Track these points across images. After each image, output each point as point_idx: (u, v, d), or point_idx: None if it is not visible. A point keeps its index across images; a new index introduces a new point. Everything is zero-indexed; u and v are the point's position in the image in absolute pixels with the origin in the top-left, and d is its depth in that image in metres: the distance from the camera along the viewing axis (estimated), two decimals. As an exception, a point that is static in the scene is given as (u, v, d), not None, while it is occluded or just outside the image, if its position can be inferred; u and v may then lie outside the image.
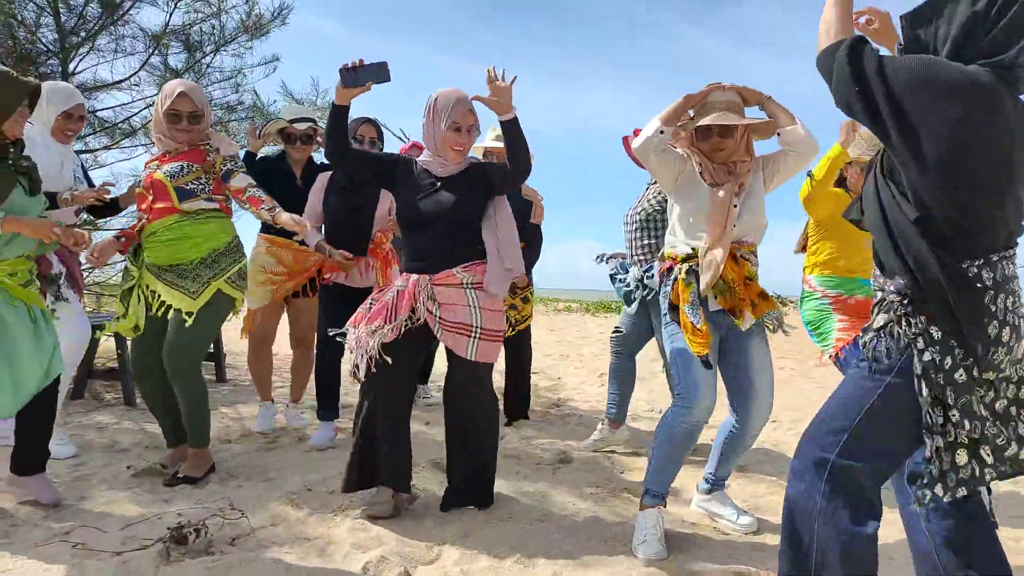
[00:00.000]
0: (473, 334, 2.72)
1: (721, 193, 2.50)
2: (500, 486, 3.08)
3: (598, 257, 4.07)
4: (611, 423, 3.92)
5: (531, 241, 4.26)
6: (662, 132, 2.56)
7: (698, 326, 2.48)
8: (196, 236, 3.08)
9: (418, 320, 2.70)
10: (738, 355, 2.63)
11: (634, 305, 3.75)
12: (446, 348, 2.77)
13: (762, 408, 2.64)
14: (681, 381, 2.54)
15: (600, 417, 4.15)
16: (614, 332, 3.98)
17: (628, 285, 3.78)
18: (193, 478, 3.05)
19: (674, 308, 2.57)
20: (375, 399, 2.73)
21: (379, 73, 2.61)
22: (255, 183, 3.18)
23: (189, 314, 3.03)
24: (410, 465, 2.81)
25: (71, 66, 5.92)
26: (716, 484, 2.87)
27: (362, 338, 2.65)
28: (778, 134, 2.61)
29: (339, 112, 2.67)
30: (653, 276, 3.49)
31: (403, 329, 2.67)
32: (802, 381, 6.85)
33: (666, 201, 3.56)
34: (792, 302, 15.19)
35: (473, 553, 2.41)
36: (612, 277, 3.93)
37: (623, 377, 3.93)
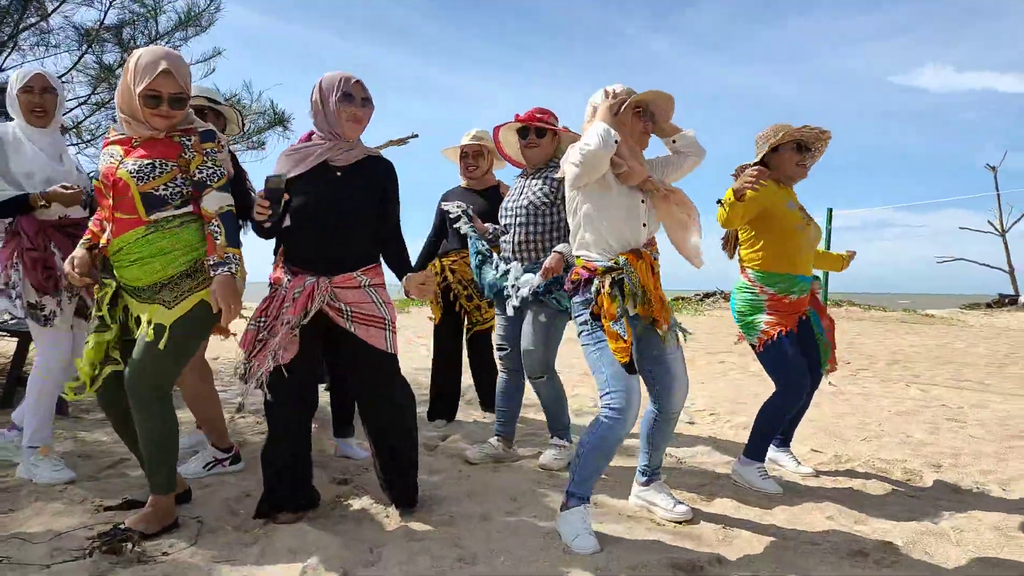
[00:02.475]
0: (387, 326, 2.71)
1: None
2: (440, 487, 3.10)
3: (455, 210, 3.89)
4: (503, 440, 3.76)
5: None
6: (617, 142, 2.54)
7: (624, 337, 2.54)
8: (173, 250, 2.52)
9: (306, 319, 2.61)
10: (655, 348, 2.77)
11: (510, 308, 3.52)
12: (349, 347, 2.70)
13: (680, 392, 2.81)
14: (612, 392, 2.55)
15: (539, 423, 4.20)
16: (500, 351, 3.73)
17: (510, 282, 3.50)
18: (141, 534, 2.46)
19: (595, 318, 2.61)
20: (278, 423, 2.69)
21: (278, 186, 2.50)
22: (232, 206, 2.59)
23: (161, 327, 2.48)
24: (310, 485, 2.81)
25: (-2, 62, 5.71)
26: (652, 475, 2.95)
27: (256, 366, 2.59)
28: (673, 140, 2.84)
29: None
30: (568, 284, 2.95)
31: (296, 335, 2.60)
32: (738, 374, 7.04)
33: (555, 196, 3.47)
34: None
35: (414, 554, 2.43)
36: (473, 242, 3.75)
37: (513, 394, 3.76)
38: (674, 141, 2.83)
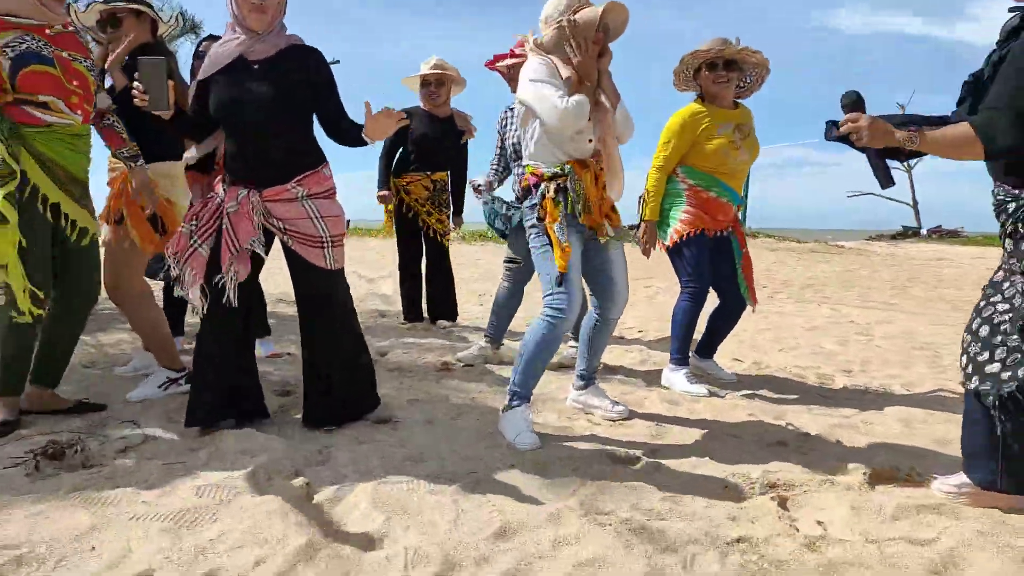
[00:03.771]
0: (325, 244, 2.59)
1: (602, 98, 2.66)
2: (384, 397, 3.15)
3: (475, 188, 4.08)
4: (491, 342, 4.05)
5: (461, 165, 4.93)
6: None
7: (564, 243, 2.63)
8: (88, 154, 2.71)
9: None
10: (599, 257, 2.84)
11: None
12: (294, 260, 2.63)
13: (620, 300, 2.90)
14: (554, 293, 2.68)
15: (480, 333, 4.30)
16: (509, 261, 3.99)
17: (506, 210, 3.86)
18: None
19: (541, 221, 2.70)
20: (212, 332, 2.63)
21: (156, 68, 2.32)
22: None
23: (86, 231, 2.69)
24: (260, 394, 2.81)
25: None
26: (589, 379, 3.08)
27: (192, 274, 2.53)
28: None
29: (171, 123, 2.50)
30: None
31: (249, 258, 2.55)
32: (664, 297, 7.30)
33: None
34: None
35: (363, 454, 2.49)
36: (490, 211, 3.96)
37: (510, 304, 4.06)
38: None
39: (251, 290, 2.67)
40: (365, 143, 2.55)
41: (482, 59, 3.77)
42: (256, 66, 2.49)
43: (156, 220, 2.98)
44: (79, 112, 2.59)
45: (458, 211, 5.07)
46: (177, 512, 1.98)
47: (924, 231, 20.91)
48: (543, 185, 2.70)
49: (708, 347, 3.82)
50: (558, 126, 2.58)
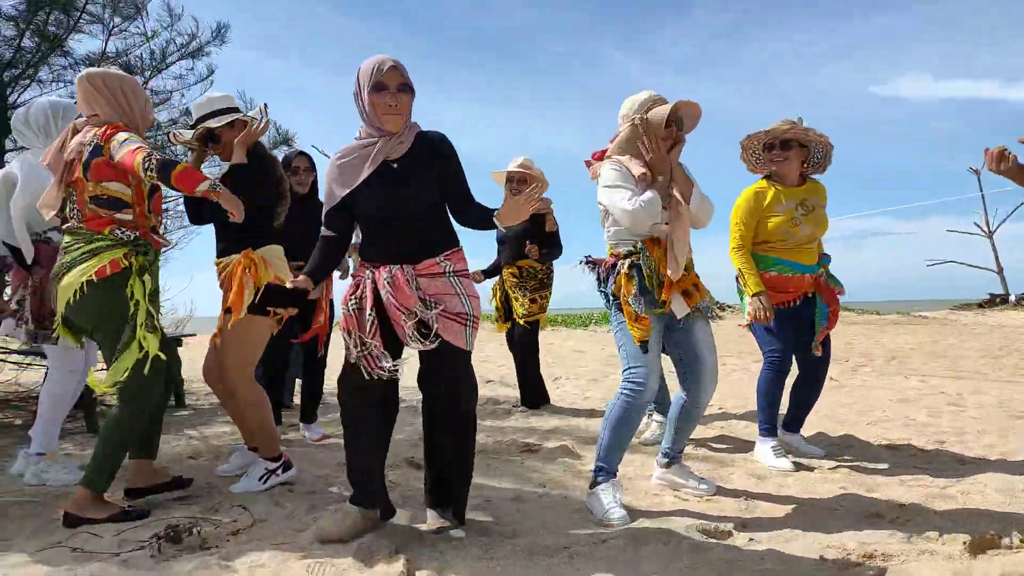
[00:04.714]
0: (468, 322, 2.52)
1: (676, 193, 2.82)
2: (476, 474, 3.24)
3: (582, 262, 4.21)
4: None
5: (550, 245, 5.18)
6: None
7: (641, 314, 2.77)
8: None
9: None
10: (684, 335, 2.90)
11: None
12: (427, 347, 2.48)
13: (710, 381, 2.91)
14: (632, 368, 2.80)
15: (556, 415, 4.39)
16: None
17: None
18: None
19: (615, 297, 2.86)
20: (365, 424, 2.53)
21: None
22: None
23: None
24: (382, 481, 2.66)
25: (11, 99, 5.90)
26: (673, 458, 3.11)
27: (372, 355, 2.46)
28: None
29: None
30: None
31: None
32: (741, 374, 7.22)
33: None
34: (731, 307, 15.79)
35: (467, 536, 2.58)
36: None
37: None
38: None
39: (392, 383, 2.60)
40: (494, 226, 2.54)
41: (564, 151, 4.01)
42: (396, 165, 2.51)
43: (263, 304, 3.14)
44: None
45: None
46: (292, 587, 2.10)
47: (1013, 298, 19.99)
48: (619, 263, 2.87)
49: (794, 421, 3.79)
50: (632, 226, 2.80)
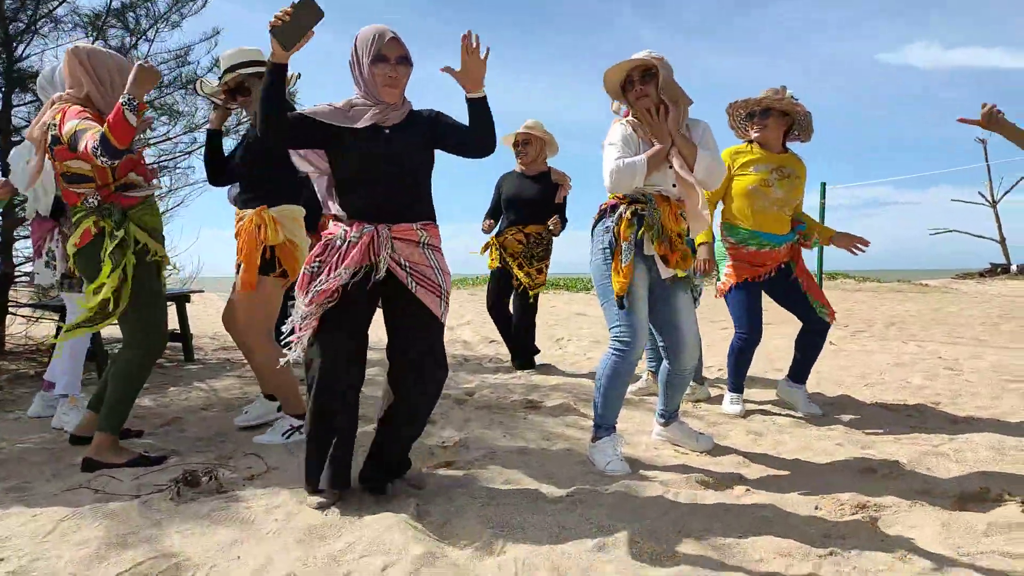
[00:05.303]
0: (442, 296, 2.52)
1: (675, 163, 2.83)
2: (483, 428, 3.33)
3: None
4: (652, 375, 4.44)
5: (561, 214, 5.18)
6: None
7: (624, 265, 2.79)
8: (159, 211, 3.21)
9: (376, 276, 2.44)
10: (664, 306, 2.93)
11: None
12: (395, 313, 2.51)
13: (689, 351, 2.95)
14: (618, 325, 2.83)
15: (560, 375, 4.46)
16: None
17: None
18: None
19: (611, 244, 2.85)
20: (329, 391, 2.42)
21: (312, 13, 2.23)
22: None
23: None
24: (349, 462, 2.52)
25: (17, 52, 5.89)
26: (670, 418, 3.19)
27: (308, 307, 2.40)
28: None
29: (278, 72, 2.29)
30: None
31: (349, 286, 2.42)
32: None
33: None
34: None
35: (465, 480, 2.67)
36: None
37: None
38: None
39: (360, 345, 2.53)
40: (493, 133, 2.49)
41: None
42: (387, 131, 2.51)
43: (274, 261, 3.20)
44: (152, 180, 3.05)
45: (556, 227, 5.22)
46: (307, 528, 2.20)
47: (1014, 267, 20.02)
48: (622, 207, 2.87)
49: (799, 373, 3.87)
50: (611, 186, 2.81)
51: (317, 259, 2.47)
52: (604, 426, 2.91)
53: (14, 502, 2.45)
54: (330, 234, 2.53)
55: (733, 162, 3.73)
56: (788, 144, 3.82)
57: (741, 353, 3.77)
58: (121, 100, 2.55)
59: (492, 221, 5.35)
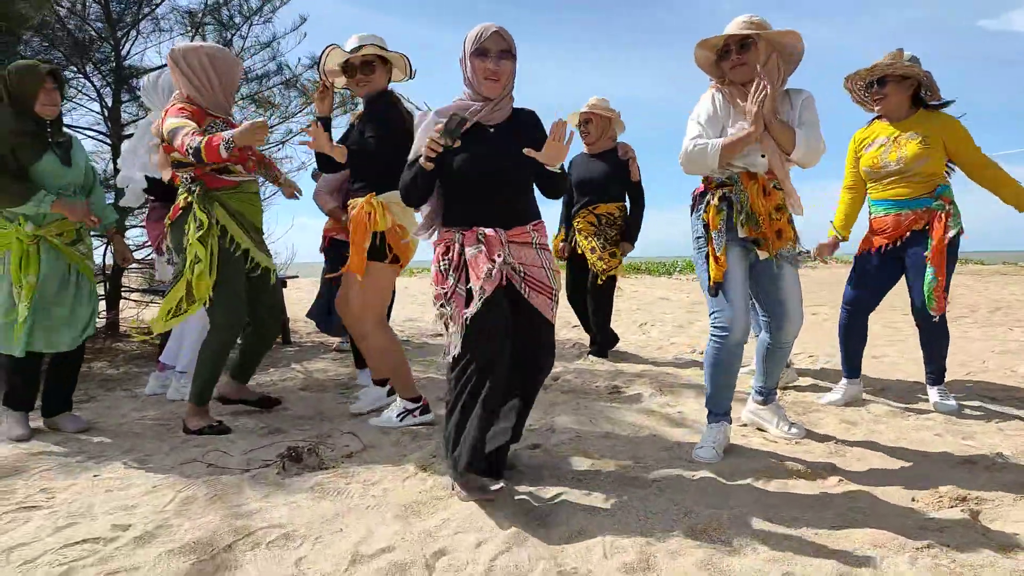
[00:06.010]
0: (554, 297, 2.54)
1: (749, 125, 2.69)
2: (567, 413, 3.38)
3: None
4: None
5: (635, 199, 5.08)
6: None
7: (718, 253, 2.74)
8: (261, 208, 3.44)
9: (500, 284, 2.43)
10: (767, 279, 2.86)
11: None
12: (521, 311, 2.50)
13: (791, 324, 2.89)
14: (715, 311, 2.78)
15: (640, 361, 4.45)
16: None
17: None
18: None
19: (705, 231, 2.81)
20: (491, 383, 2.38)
21: (456, 122, 2.37)
22: None
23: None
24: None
25: (123, 50, 6.25)
26: (768, 395, 3.15)
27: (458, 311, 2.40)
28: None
29: (424, 177, 2.46)
30: None
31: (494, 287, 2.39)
32: (832, 325, 7.08)
33: None
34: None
35: (553, 464, 2.73)
36: None
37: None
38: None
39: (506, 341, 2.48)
40: (556, 179, 2.54)
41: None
42: (492, 130, 2.52)
43: (384, 248, 3.22)
44: (252, 171, 3.36)
45: (628, 239, 5.11)
46: (405, 504, 2.31)
47: None
48: (709, 194, 2.82)
49: (932, 373, 3.64)
50: (683, 166, 2.77)
51: (445, 257, 2.49)
52: (713, 412, 2.89)
53: (136, 474, 2.67)
54: (446, 238, 2.53)
55: (855, 143, 3.70)
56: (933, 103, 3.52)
57: (843, 327, 3.75)
58: (224, 136, 2.85)
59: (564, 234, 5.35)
